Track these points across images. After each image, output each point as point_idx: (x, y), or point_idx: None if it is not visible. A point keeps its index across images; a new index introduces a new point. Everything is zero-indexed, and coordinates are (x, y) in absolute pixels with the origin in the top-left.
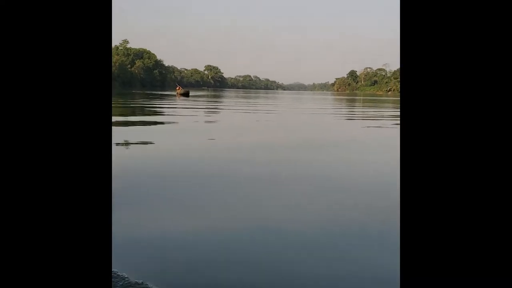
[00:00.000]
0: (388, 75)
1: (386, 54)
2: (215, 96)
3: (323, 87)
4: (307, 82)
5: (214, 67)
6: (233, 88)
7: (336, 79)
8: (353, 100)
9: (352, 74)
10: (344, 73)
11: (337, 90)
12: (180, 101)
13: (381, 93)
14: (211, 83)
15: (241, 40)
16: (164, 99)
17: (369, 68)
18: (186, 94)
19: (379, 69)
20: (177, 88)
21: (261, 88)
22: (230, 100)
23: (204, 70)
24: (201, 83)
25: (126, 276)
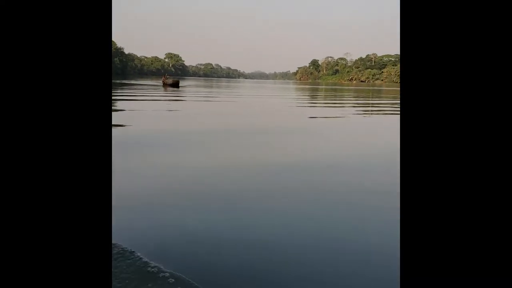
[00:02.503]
0: (349, 64)
1: (347, 43)
2: (207, 86)
3: (284, 76)
4: (268, 70)
5: (175, 55)
6: (195, 77)
7: (298, 68)
8: (315, 89)
9: (314, 63)
10: (306, 62)
11: (300, 79)
12: (182, 94)
13: (344, 82)
14: (172, 71)
15: (202, 27)
16: (153, 90)
17: (331, 57)
18: (175, 85)
19: (341, 58)
20: (165, 77)
21: (222, 77)
22: (240, 90)
23: (165, 58)
24: (162, 72)
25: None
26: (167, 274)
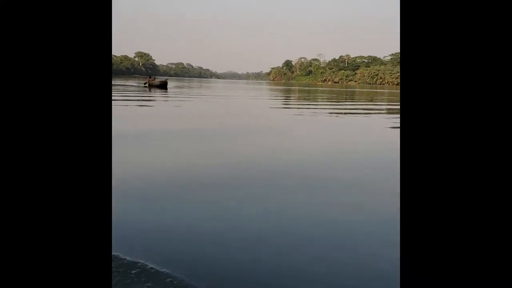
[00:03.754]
0: (323, 65)
1: (320, 44)
2: (193, 87)
3: (257, 76)
4: (240, 70)
5: (145, 54)
6: (166, 76)
7: (272, 68)
8: (288, 91)
9: (288, 64)
10: (279, 63)
11: (273, 80)
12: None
13: (318, 83)
14: (143, 71)
15: (172, 27)
16: (141, 91)
17: (304, 58)
18: (163, 86)
19: (314, 59)
20: (150, 78)
21: (194, 76)
22: (244, 92)
23: (135, 57)
24: (132, 71)
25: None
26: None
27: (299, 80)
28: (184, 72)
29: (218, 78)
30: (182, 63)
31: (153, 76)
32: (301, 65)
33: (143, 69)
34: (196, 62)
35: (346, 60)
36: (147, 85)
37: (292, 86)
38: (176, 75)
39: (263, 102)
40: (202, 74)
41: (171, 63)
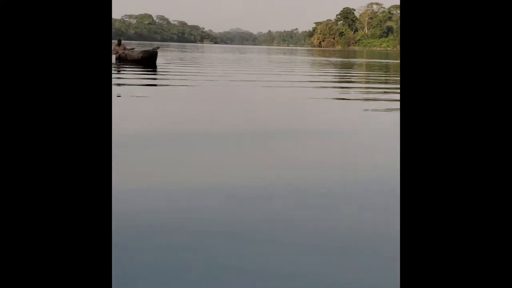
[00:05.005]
0: None
1: None
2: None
3: (287, 39)
4: (255, 29)
5: None
6: (114, 39)
7: (317, 24)
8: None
9: (347, 15)
10: (330, 14)
11: (319, 45)
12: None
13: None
14: None
15: None
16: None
17: (377, 3)
18: (148, 60)
19: (397, 6)
20: (118, 47)
21: (170, 39)
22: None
23: None
24: None
25: None
26: None
27: (368, 44)
28: (152, 32)
29: (213, 42)
30: (150, 16)
31: (125, 45)
32: (371, 19)
33: None
34: (175, 14)
35: None
36: (113, 58)
37: (358, 58)
38: (138, 36)
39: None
40: (186, 35)
41: (129, 16)
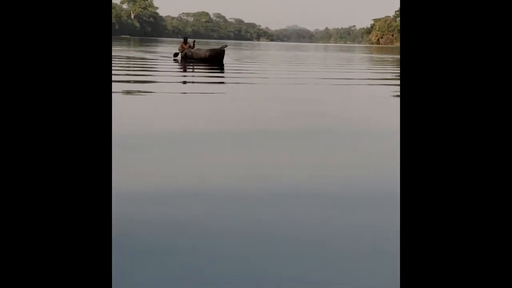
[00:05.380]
0: None
1: None
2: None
3: (345, 35)
4: (312, 26)
5: None
6: (172, 37)
7: (375, 21)
8: None
9: None
10: (389, 11)
11: (377, 42)
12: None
13: None
14: (136, 28)
15: None
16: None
17: None
18: (214, 58)
19: None
20: (186, 44)
21: (227, 37)
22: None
23: (122, 3)
24: (118, 29)
25: None
26: None
27: None
28: (209, 30)
29: (269, 39)
30: (207, 14)
31: (189, 42)
32: None
33: (138, 25)
34: (232, 12)
35: None
36: (178, 57)
37: None
38: (195, 34)
39: None
40: (243, 33)
41: (186, 14)
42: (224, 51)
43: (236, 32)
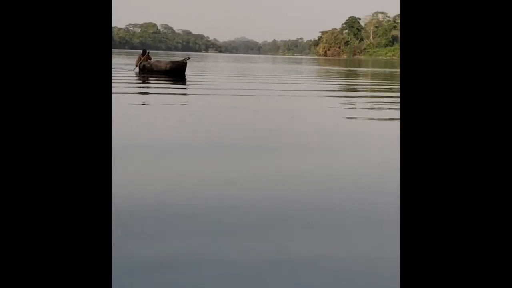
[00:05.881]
0: None
1: None
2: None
3: (292, 48)
4: (260, 38)
5: None
6: (125, 49)
7: (322, 33)
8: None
9: (352, 23)
10: (336, 23)
11: (324, 54)
12: None
13: None
14: None
15: None
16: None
17: (383, 13)
18: (175, 71)
19: None
20: (142, 57)
21: (175, 49)
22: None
23: None
24: None
25: None
26: None
27: (374, 54)
28: (156, 41)
29: (217, 51)
30: (155, 25)
31: (147, 51)
32: (377, 27)
33: None
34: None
35: None
36: (137, 69)
37: (366, 67)
38: (142, 45)
39: None
40: (191, 44)
41: (133, 25)
42: (186, 63)
43: (184, 43)
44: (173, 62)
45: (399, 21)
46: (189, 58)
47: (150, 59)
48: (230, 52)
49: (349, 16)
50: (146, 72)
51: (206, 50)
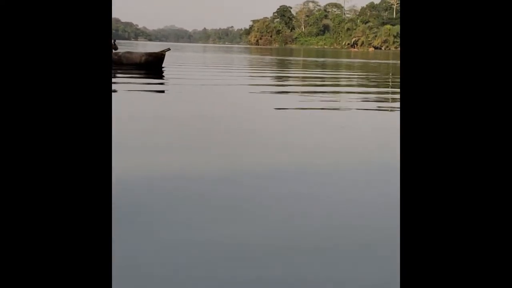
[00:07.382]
0: (349, 15)
1: None
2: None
3: (223, 36)
4: (190, 26)
5: None
6: None
7: (254, 22)
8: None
9: (283, 12)
10: (267, 12)
11: (256, 43)
12: None
13: (343, 49)
14: None
15: None
16: None
17: (314, 2)
18: (152, 63)
19: (332, 4)
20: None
21: None
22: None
23: None
24: None
25: None
26: None
27: (306, 43)
28: None
29: (147, 39)
30: None
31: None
32: (308, 17)
33: None
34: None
35: (395, 7)
36: None
37: (295, 56)
38: None
39: None
40: (120, 32)
41: None
42: (164, 55)
43: (114, 31)
44: (149, 54)
45: (330, 10)
46: (169, 49)
47: (117, 49)
48: (160, 40)
49: (281, 5)
50: (116, 65)
51: (136, 38)
